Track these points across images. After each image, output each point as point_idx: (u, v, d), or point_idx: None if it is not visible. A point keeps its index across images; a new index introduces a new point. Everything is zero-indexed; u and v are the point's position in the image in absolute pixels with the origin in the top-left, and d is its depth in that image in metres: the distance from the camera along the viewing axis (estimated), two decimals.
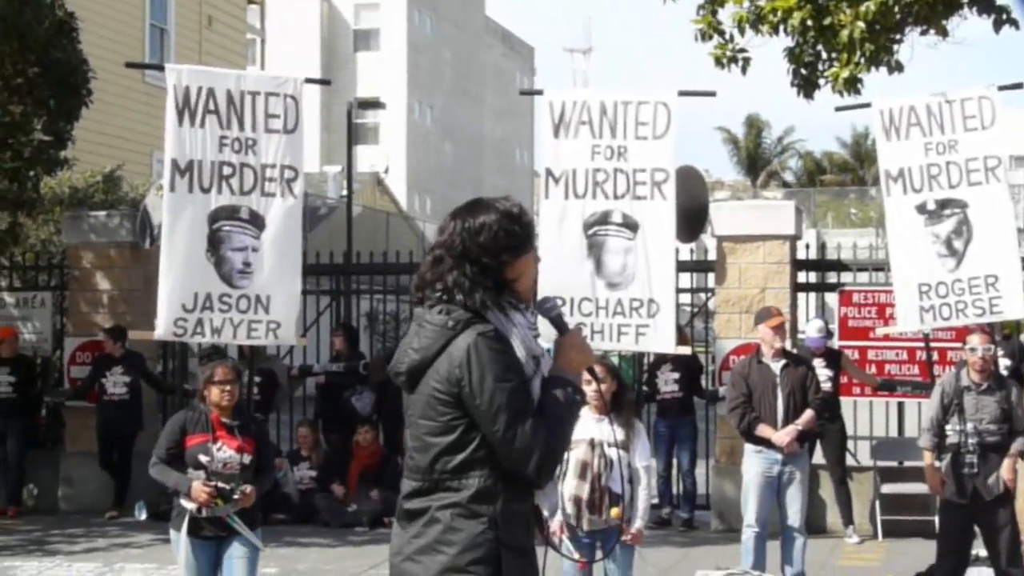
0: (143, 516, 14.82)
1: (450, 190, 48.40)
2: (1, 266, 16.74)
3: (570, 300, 11.40)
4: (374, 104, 37.21)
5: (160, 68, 12.12)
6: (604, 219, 11.52)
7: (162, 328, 11.16)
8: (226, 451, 8.03)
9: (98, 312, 15.86)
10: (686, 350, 13.29)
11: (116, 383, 15.02)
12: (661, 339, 11.61)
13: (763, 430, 10.36)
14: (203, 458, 7.98)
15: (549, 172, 11.62)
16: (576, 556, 8.30)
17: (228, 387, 8.09)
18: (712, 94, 12.06)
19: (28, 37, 14.18)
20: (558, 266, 11.42)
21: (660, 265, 11.55)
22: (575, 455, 8.35)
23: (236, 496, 7.97)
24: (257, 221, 11.24)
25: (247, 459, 8.09)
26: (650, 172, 11.47)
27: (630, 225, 11.48)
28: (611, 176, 11.47)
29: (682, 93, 11.75)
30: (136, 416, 15.22)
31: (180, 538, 7.97)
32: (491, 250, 4.35)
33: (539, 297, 4.82)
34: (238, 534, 8.05)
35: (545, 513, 4.51)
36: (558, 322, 4.56)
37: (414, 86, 51.42)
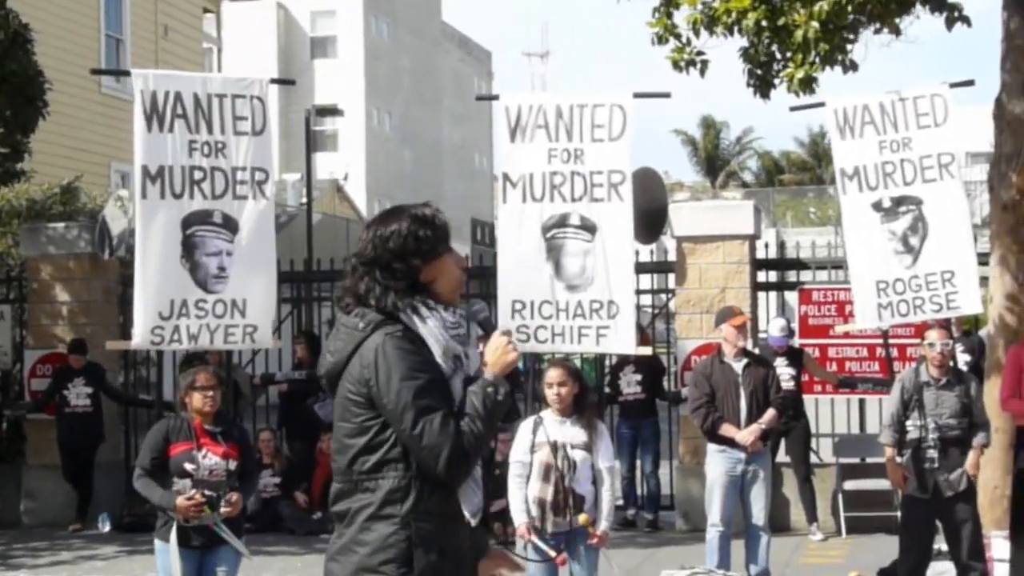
0: (107, 528, 14.72)
1: (410, 196, 48.27)
2: None
3: (530, 303, 11.44)
4: (332, 111, 37.13)
5: (126, 74, 12.08)
6: (562, 222, 11.56)
7: (139, 337, 11.11)
8: (211, 458, 7.99)
9: (58, 324, 15.78)
10: (647, 350, 13.34)
11: (79, 395, 14.96)
12: (622, 340, 11.65)
13: (727, 429, 10.42)
14: (189, 466, 7.93)
15: (506, 177, 11.64)
16: (554, 554, 8.30)
17: (211, 393, 8.03)
18: (667, 95, 12.14)
19: None
20: (518, 270, 11.47)
21: (619, 266, 11.60)
22: (538, 458, 8.38)
23: (223, 505, 7.93)
24: (230, 225, 11.21)
25: (232, 465, 8.05)
26: (607, 174, 11.52)
27: (588, 227, 11.53)
28: (568, 179, 11.51)
29: (637, 95, 11.81)
30: (98, 428, 15.17)
31: (169, 548, 7.86)
32: (400, 255, 4.44)
33: (471, 299, 4.90)
34: (224, 543, 8.00)
35: (467, 515, 4.51)
36: (485, 324, 4.67)
37: (372, 93, 51.35)
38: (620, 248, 11.64)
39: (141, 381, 17.96)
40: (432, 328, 4.42)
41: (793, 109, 12.33)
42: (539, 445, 8.40)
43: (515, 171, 11.56)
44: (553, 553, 8.33)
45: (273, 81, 12.06)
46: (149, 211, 11.12)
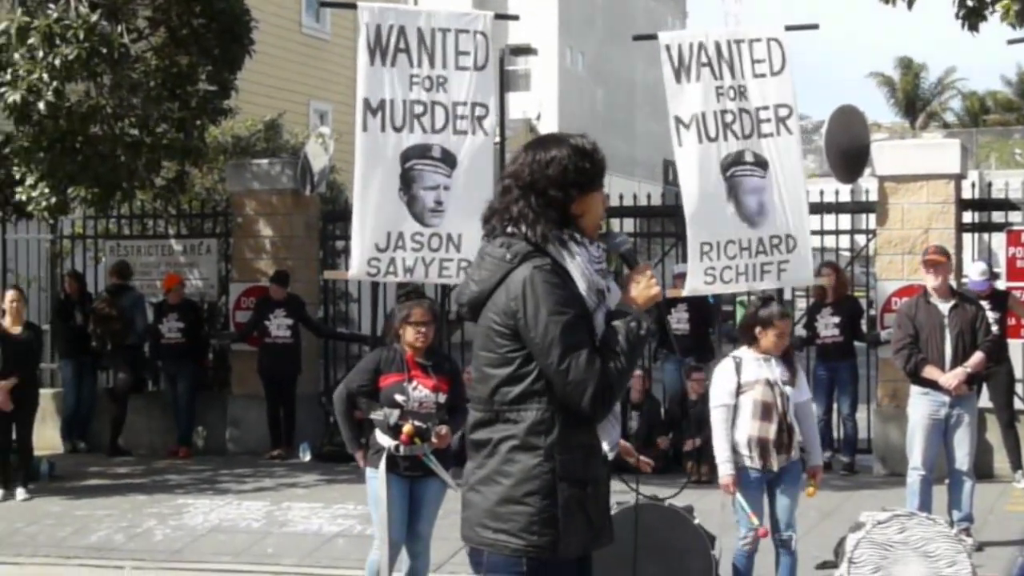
0: (307, 457, 15.28)
1: (602, 135, 47.61)
2: (169, 214, 17.17)
3: (716, 244, 11.41)
4: (526, 50, 37.06)
5: (351, 6, 12.15)
6: (738, 160, 11.54)
7: (356, 267, 11.27)
8: (422, 390, 8.11)
9: (261, 258, 16.20)
10: (822, 281, 13.43)
11: (279, 326, 15.35)
12: (801, 273, 11.66)
13: (930, 372, 10.18)
14: (399, 397, 8.07)
15: (678, 119, 11.51)
16: (756, 522, 8.27)
17: (423, 328, 8.13)
18: (815, 27, 12.05)
19: None
20: (702, 211, 11.42)
21: (793, 200, 11.64)
22: (751, 397, 8.29)
23: (433, 436, 8.08)
24: (449, 159, 11.28)
25: (442, 398, 8.17)
26: (773, 109, 11.58)
27: (761, 163, 11.56)
28: (737, 116, 11.49)
29: (788, 28, 11.78)
30: (297, 359, 15.56)
31: (378, 475, 8.02)
32: (559, 183, 4.39)
33: (610, 232, 4.83)
34: (431, 474, 8.13)
35: (605, 447, 4.48)
36: (628, 257, 4.58)
37: (565, 31, 51.23)
38: (792, 181, 11.67)
39: (340, 315, 18.39)
40: (579, 262, 4.39)
41: (1011, 42, 11.91)
42: (749, 385, 8.31)
43: (686, 112, 11.47)
44: (756, 521, 8.29)
45: (498, 16, 12.07)
46: (369, 144, 11.21)
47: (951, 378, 10.08)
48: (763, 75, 11.47)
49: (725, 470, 8.30)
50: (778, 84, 11.54)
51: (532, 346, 4.31)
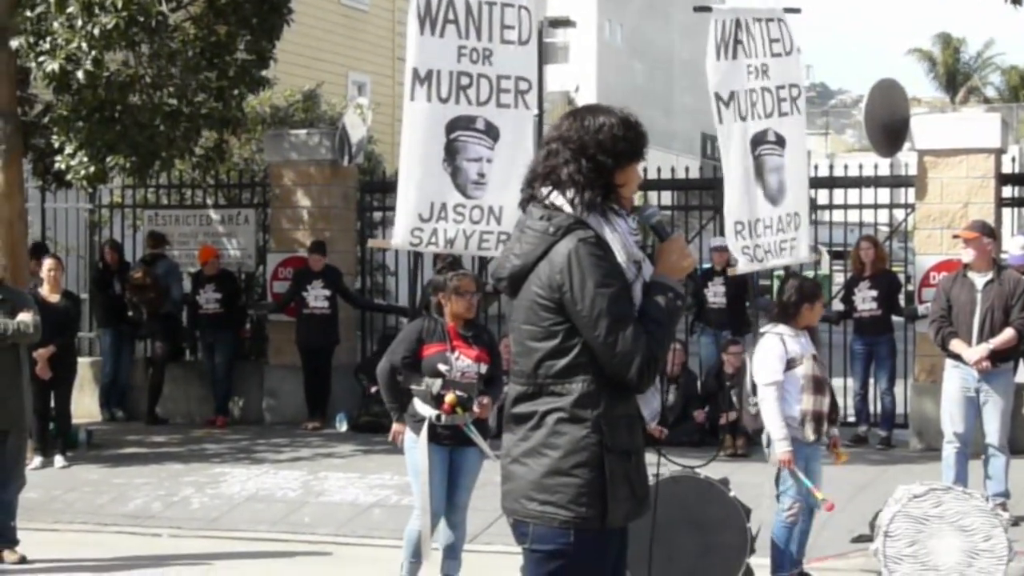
0: (344, 428, 15.34)
1: (641, 109, 46.73)
2: (207, 184, 17.23)
3: (747, 223, 11.56)
4: (564, 23, 36.93)
5: None
6: (763, 138, 11.61)
7: (399, 237, 11.28)
8: (464, 360, 8.18)
9: (298, 229, 16.23)
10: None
11: (317, 296, 15.39)
12: (803, 249, 11.99)
13: (956, 345, 10.17)
14: (442, 367, 8.13)
15: (718, 96, 11.44)
16: (820, 495, 8.32)
17: (471, 298, 8.22)
18: (797, 11, 11.98)
19: None
20: (736, 190, 11.53)
21: (799, 177, 11.94)
22: (802, 372, 8.32)
23: (475, 406, 8.13)
24: (492, 132, 11.26)
25: (483, 368, 8.26)
26: (788, 88, 11.72)
27: (781, 142, 11.71)
28: (760, 95, 11.66)
29: (787, 10, 11.90)
30: (334, 329, 15.60)
31: (420, 442, 8.08)
32: (608, 150, 4.37)
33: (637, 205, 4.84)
34: (471, 443, 8.19)
35: (646, 417, 4.48)
36: (659, 229, 4.56)
37: (604, 4, 51.01)
38: (799, 158, 11.95)
39: (377, 287, 18.43)
40: (620, 234, 4.38)
41: None
42: (798, 360, 8.34)
43: (724, 88, 11.46)
44: (820, 495, 8.32)
45: None
46: (416, 114, 11.19)
47: (973, 353, 10.05)
48: (779, 54, 11.61)
49: (783, 446, 8.28)
50: (791, 63, 11.73)
51: (578, 319, 4.30)
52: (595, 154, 4.36)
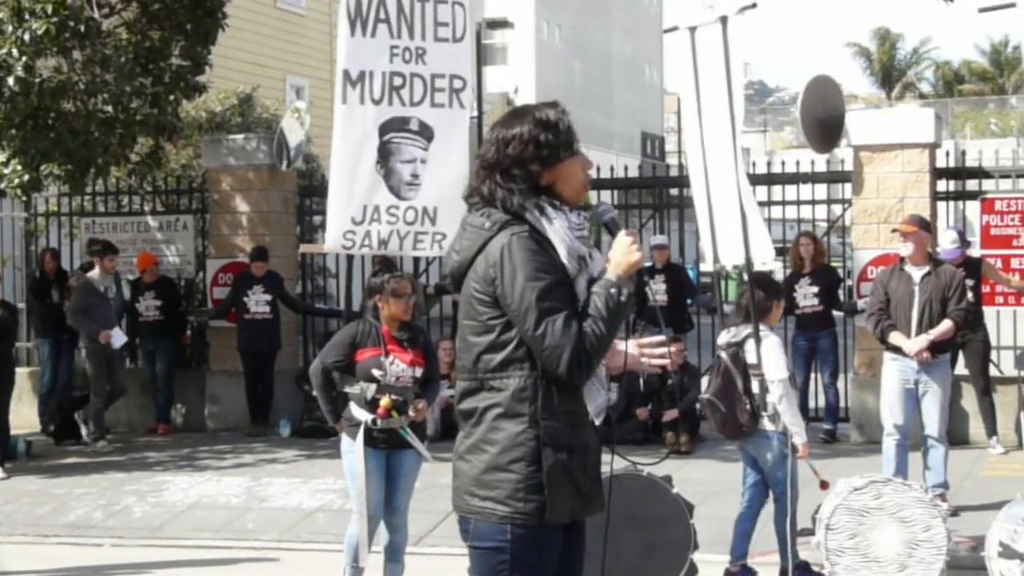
0: (286, 433, 15.27)
1: (580, 109, 48.11)
2: (144, 191, 17.09)
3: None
4: (502, 24, 36.94)
5: None
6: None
7: (331, 240, 11.19)
8: (399, 365, 8.15)
9: (238, 234, 16.15)
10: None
11: (258, 302, 15.32)
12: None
13: (895, 338, 10.28)
14: (376, 372, 8.11)
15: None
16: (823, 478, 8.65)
17: (407, 300, 8.20)
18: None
19: None
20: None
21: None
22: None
23: (410, 410, 8.11)
24: (426, 132, 11.20)
25: (418, 372, 8.23)
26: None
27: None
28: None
29: (743, 9, 11.51)
30: (276, 334, 15.54)
31: (356, 446, 8.06)
32: (519, 161, 4.42)
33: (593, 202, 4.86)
34: (408, 446, 8.18)
35: (591, 412, 4.50)
36: (610, 225, 4.58)
37: (542, 5, 51.10)
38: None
39: (318, 290, 18.36)
40: (558, 228, 4.40)
41: (983, 11, 11.94)
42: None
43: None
44: (820, 476, 8.63)
45: None
46: (348, 116, 11.11)
47: (913, 345, 10.15)
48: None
49: (803, 438, 8.59)
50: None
51: (510, 312, 4.33)
52: (508, 167, 4.42)
